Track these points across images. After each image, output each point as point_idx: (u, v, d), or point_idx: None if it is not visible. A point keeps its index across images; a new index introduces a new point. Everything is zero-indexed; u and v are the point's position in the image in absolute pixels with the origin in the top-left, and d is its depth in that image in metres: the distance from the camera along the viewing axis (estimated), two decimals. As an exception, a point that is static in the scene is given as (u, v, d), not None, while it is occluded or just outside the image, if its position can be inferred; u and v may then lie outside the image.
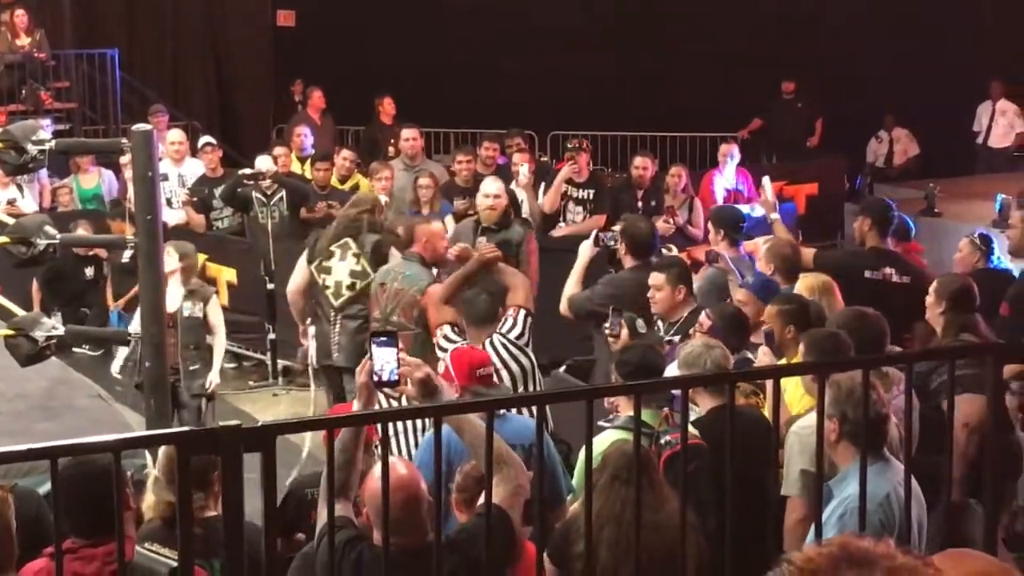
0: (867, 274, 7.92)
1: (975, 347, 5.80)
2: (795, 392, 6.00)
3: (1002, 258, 9.01)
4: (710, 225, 8.96)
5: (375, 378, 4.30)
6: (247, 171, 11.76)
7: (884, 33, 17.63)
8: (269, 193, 11.58)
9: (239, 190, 11.68)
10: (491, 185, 9.84)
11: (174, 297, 8.72)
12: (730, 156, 12.90)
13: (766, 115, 17.64)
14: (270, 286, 11.50)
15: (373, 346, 4.31)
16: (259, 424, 3.55)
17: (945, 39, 17.28)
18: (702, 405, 5.81)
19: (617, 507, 4.55)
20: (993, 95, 17.10)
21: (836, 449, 4.75)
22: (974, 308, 6.88)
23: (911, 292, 7.69)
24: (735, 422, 3.97)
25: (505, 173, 12.11)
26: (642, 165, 11.82)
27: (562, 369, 8.98)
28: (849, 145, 16.92)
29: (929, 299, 6.99)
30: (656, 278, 7.48)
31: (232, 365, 12.07)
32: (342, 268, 8.95)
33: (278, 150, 12.78)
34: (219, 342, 9.30)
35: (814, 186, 13.50)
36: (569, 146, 11.64)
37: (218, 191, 12.26)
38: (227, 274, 11.79)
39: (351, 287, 8.88)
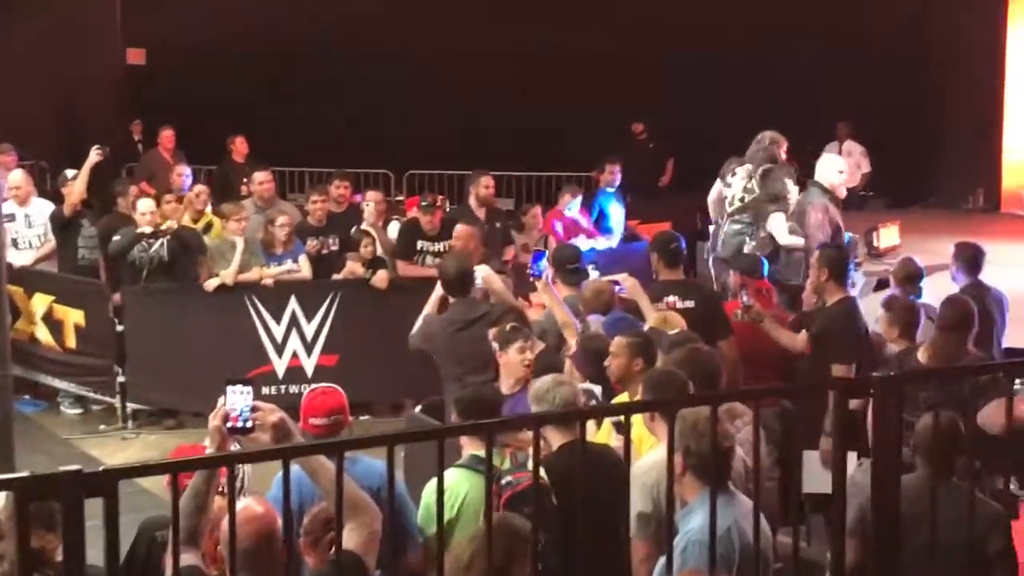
0: None
1: (818, 384, 5.89)
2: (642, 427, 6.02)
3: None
4: (547, 262, 9.09)
5: (228, 424, 4.24)
6: (146, 229, 11.11)
7: (732, 75, 17.95)
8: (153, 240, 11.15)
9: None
10: None
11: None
12: (567, 207, 13.09)
13: (620, 156, 17.84)
14: (119, 328, 11.26)
15: (228, 391, 4.24)
16: (100, 468, 3.46)
17: (792, 82, 17.65)
18: (552, 441, 5.82)
19: None
20: (840, 136, 17.49)
21: (682, 482, 4.72)
22: None
23: (698, 314, 8.10)
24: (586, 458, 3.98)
25: (358, 212, 12.06)
26: (485, 184, 12.03)
27: (418, 409, 8.95)
28: (701, 184, 17.16)
29: None
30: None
31: (78, 410, 11.77)
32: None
33: (134, 189, 12.56)
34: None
35: (666, 225, 13.63)
36: (424, 203, 11.53)
37: (87, 226, 11.84)
38: (74, 316, 11.50)
39: None
